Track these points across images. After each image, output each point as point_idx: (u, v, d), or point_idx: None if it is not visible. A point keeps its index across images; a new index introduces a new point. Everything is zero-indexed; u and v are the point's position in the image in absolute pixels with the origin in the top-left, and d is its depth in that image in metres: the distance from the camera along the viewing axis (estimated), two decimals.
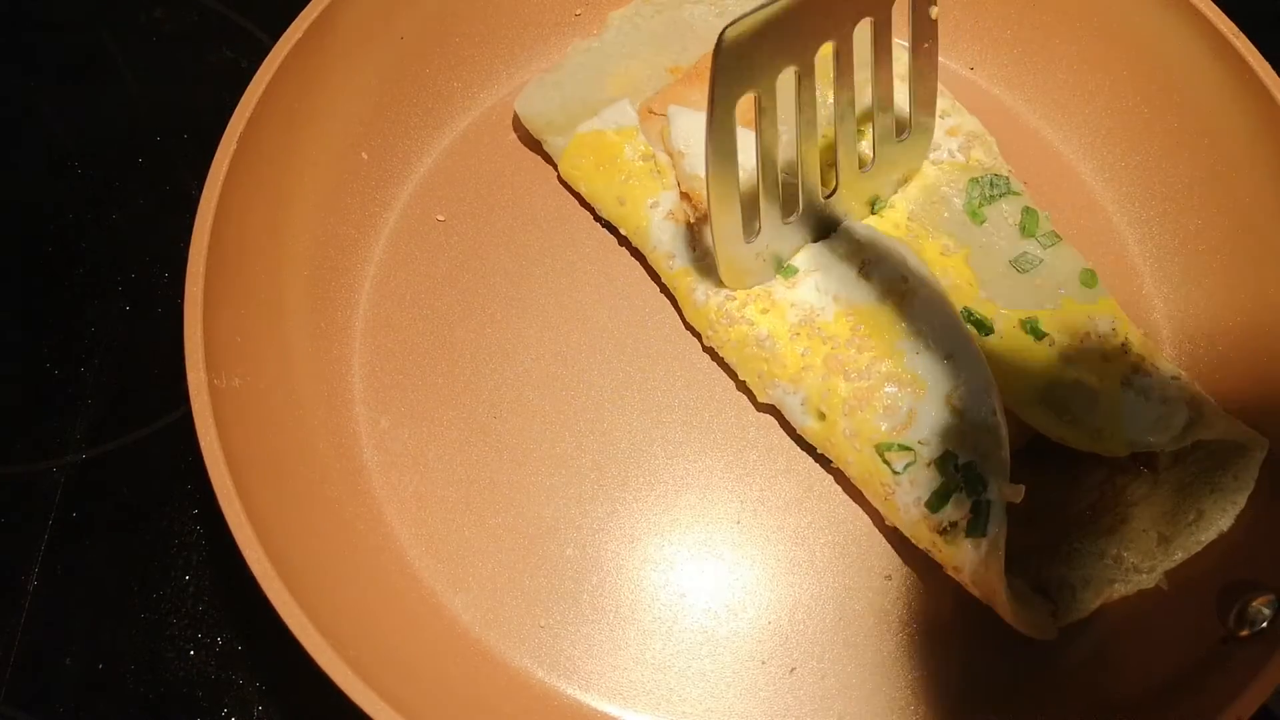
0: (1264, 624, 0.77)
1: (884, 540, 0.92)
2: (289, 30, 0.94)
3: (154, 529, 0.97)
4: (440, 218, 1.05)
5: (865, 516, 0.93)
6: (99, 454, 1.00)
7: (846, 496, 0.93)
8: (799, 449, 0.95)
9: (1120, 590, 0.87)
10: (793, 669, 0.87)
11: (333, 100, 1.00)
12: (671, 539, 0.92)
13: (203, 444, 0.79)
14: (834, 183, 0.93)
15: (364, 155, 1.04)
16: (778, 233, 0.91)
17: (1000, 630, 0.88)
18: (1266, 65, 0.93)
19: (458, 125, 1.10)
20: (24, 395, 1.04)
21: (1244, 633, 0.78)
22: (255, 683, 0.92)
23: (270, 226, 0.94)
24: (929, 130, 0.96)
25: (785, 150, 0.89)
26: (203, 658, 0.93)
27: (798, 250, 0.95)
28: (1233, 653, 0.78)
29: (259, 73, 0.92)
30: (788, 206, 0.91)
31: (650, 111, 1.03)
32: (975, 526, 0.81)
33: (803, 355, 0.89)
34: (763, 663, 0.87)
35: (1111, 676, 0.85)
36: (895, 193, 0.98)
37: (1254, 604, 0.78)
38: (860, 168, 0.94)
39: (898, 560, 0.91)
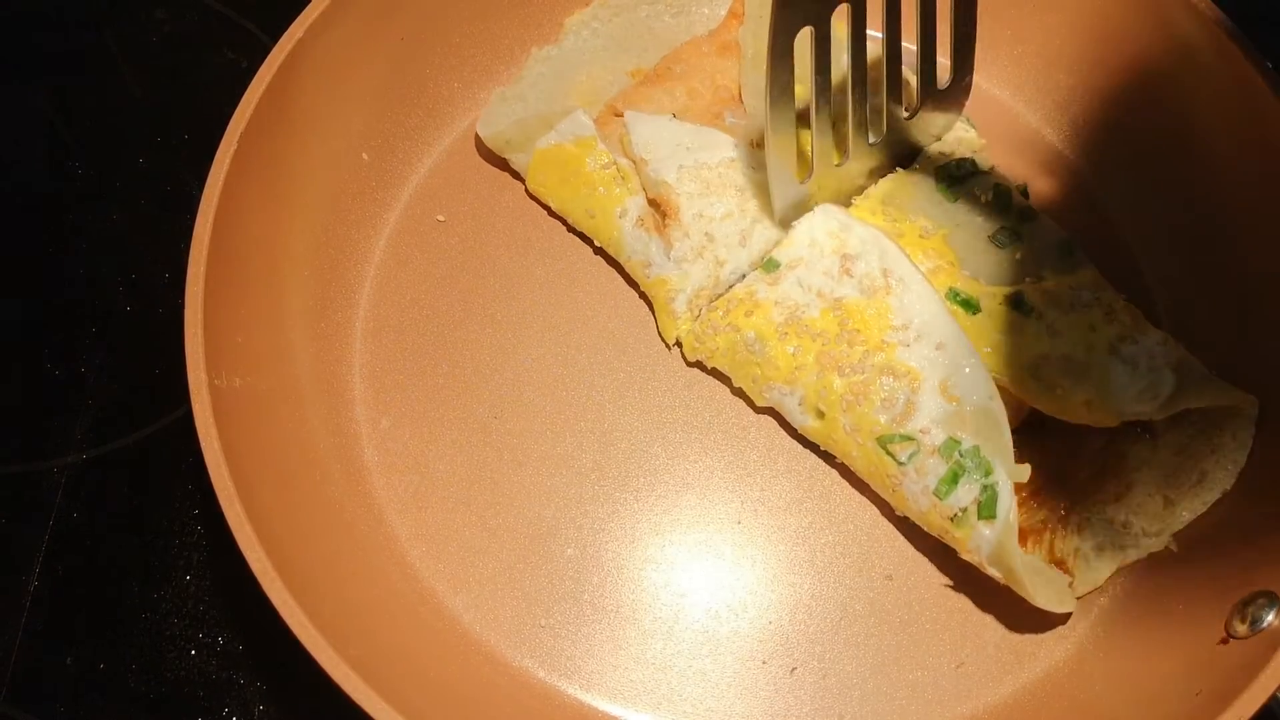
0: (1264, 624, 0.77)
1: (885, 540, 0.92)
2: (289, 31, 0.94)
3: (155, 529, 0.97)
4: (441, 218, 1.05)
5: (866, 516, 0.93)
6: (100, 454, 1.00)
7: (847, 496, 0.93)
8: (800, 449, 0.95)
9: (1133, 555, 0.88)
10: (793, 669, 0.87)
11: (333, 101, 1.00)
12: (672, 539, 0.92)
13: (203, 444, 0.79)
14: (882, 128, 0.96)
15: (364, 156, 1.04)
16: (830, 174, 0.94)
17: (1000, 629, 0.88)
18: (1266, 64, 0.93)
19: (458, 125, 1.10)
20: (25, 395, 1.04)
21: (1244, 632, 0.78)
22: (256, 682, 0.92)
23: (271, 227, 0.94)
24: (969, 74, 0.98)
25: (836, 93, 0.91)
26: (204, 657, 0.93)
27: (856, 185, 0.98)
28: (1233, 653, 0.78)
29: (259, 73, 0.92)
30: (839, 147, 0.94)
31: (614, 114, 1.02)
32: (986, 510, 0.82)
33: (794, 354, 0.90)
34: (763, 662, 0.88)
35: (1112, 676, 0.85)
36: (934, 142, 1.01)
37: (1254, 604, 0.79)
38: (905, 113, 0.97)
39: (899, 560, 0.91)
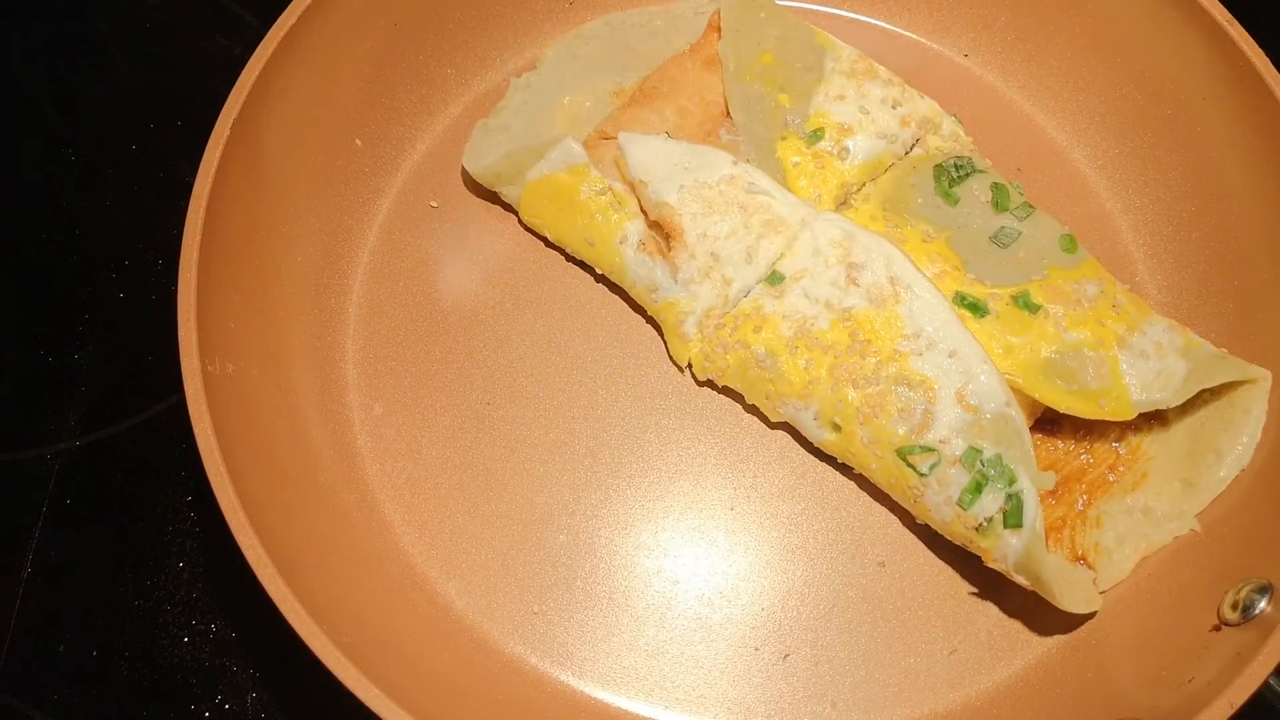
0: (1256, 611, 0.77)
1: (878, 527, 0.92)
2: (282, 17, 0.94)
3: (148, 516, 0.97)
4: (434, 204, 1.05)
5: (859, 503, 0.93)
6: (93, 441, 1.00)
7: (840, 483, 0.93)
8: (792, 438, 0.95)
9: (1156, 541, 0.88)
10: (786, 655, 0.87)
11: (326, 87, 0.99)
12: (665, 525, 0.92)
13: (196, 431, 0.79)
14: None
15: (358, 142, 1.04)
16: None
17: (993, 616, 0.89)
18: (1260, 52, 0.93)
19: (451, 111, 1.09)
20: (18, 382, 1.04)
21: (1236, 620, 0.78)
22: (249, 669, 0.92)
23: (264, 213, 0.94)
24: None
25: None
26: (197, 644, 0.93)
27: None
28: (1225, 640, 0.79)
29: (252, 59, 0.92)
30: None
31: (603, 137, 1.00)
32: (1012, 519, 0.81)
33: (806, 368, 0.88)
34: (756, 649, 0.88)
35: (1105, 664, 0.85)
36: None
37: (1247, 591, 0.79)
38: None
39: (892, 547, 0.91)
